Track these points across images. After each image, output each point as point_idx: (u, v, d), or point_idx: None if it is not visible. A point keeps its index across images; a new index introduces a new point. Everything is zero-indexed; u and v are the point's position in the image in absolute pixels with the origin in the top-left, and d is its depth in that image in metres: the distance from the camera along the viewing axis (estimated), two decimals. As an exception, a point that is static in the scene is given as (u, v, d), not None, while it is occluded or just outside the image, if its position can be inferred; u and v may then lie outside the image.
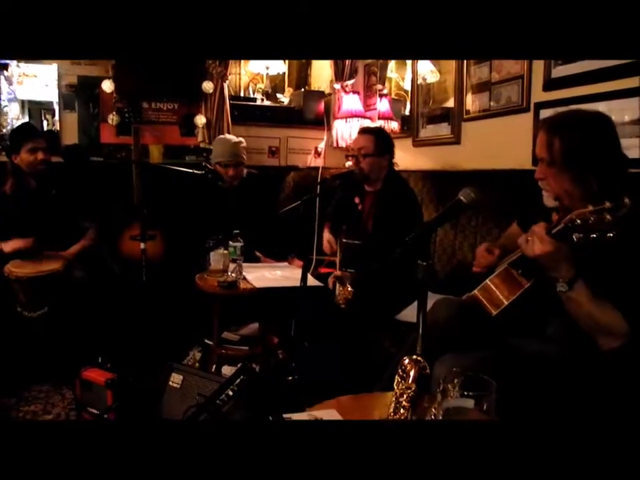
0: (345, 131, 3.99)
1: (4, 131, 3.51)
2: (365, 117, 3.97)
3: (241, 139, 3.35)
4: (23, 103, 3.59)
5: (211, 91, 3.82)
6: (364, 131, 2.80)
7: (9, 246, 2.74)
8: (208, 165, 3.21)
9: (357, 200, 2.77)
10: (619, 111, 2.13)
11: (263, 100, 4.28)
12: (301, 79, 4.63)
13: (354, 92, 4.09)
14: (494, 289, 1.56)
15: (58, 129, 3.65)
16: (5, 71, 3.50)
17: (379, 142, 2.66)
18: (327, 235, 2.86)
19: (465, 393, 0.95)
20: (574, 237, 1.26)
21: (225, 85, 3.86)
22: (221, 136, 3.54)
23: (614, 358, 1.34)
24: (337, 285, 2.44)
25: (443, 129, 3.32)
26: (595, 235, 1.23)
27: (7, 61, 3.48)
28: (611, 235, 1.21)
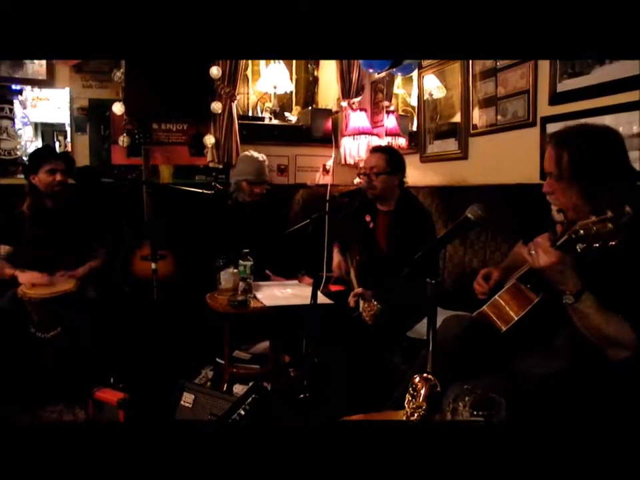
0: (353, 148, 4.02)
1: (18, 153, 3.58)
2: (372, 134, 4.00)
3: (264, 156, 3.42)
4: (36, 125, 3.65)
5: (219, 111, 3.86)
6: (376, 149, 2.81)
7: (24, 278, 2.77)
8: (217, 185, 3.24)
9: (367, 218, 2.77)
10: (626, 124, 2.13)
11: (271, 119, 4.32)
12: (308, 97, 4.67)
13: (361, 109, 4.12)
14: (503, 304, 1.56)
15: (70, 150, 3.70)
16: (19, 95, 3.57)
17: (391, 160, 2.67)
18: (336, 258, 2.86)
19: (475, 413, 0.95)
20: (577, 247, 1.27)
21: (234, 105, 3.91)
22: (247, 153, 3.56)
23: (623, 368, 1.33)
24: (361, 303, 2.40)
25: (450, 145, 3.33)
26: (597, 244, 1.24)
27: (22, 86, 3.56)
28: (613, 242, 1.22)
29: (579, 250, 1.27)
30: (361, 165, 3.57)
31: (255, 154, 3.48)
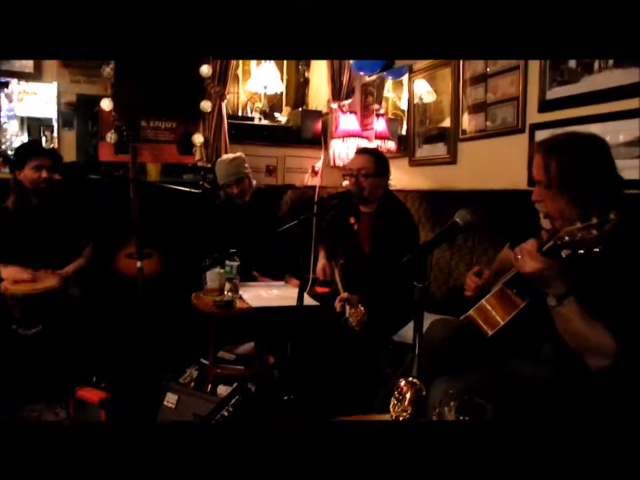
0: (342, 151, 4.03)
1: (3, 147, 3.53)
2: (362, 137, 4.00)
3: (238, 154, 3.36)
4: (22, 119, 3.60)
5: (209, 109, 3.84)
6: (363, 151, 2.80)
7: (6, 273, 2.73)
8: (205, 184, 3.21)
9: (352, 220, 2.77)
10: (613, 133, 2.16)
11: (260, 119, 4.31)
12: (299, 98, 4.67)
13: (351, 112, 4.12)
14: (489, 309, 1.56)
15: (56, 146, 3.66)
16: (5, 89, 3.52)
17: (379, 162, 2.67)
18: (321, 261, 2.86)
19: (461, 418, 0.95)
20: (562, 253, 1.28)
21: (223, 104, 3.89)
22: (220, 158, 3.52)
23: (603, 377, 1.34)
24: (348, 308, 2.38)
25: (439, 149, 3.34)
26: (582, 251, 1.24)
27: (8, 79, 3.51)
28: (597, 250, 1.22)
29: (563, 256, 1.27)
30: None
31: (226, 156, 3.45)
